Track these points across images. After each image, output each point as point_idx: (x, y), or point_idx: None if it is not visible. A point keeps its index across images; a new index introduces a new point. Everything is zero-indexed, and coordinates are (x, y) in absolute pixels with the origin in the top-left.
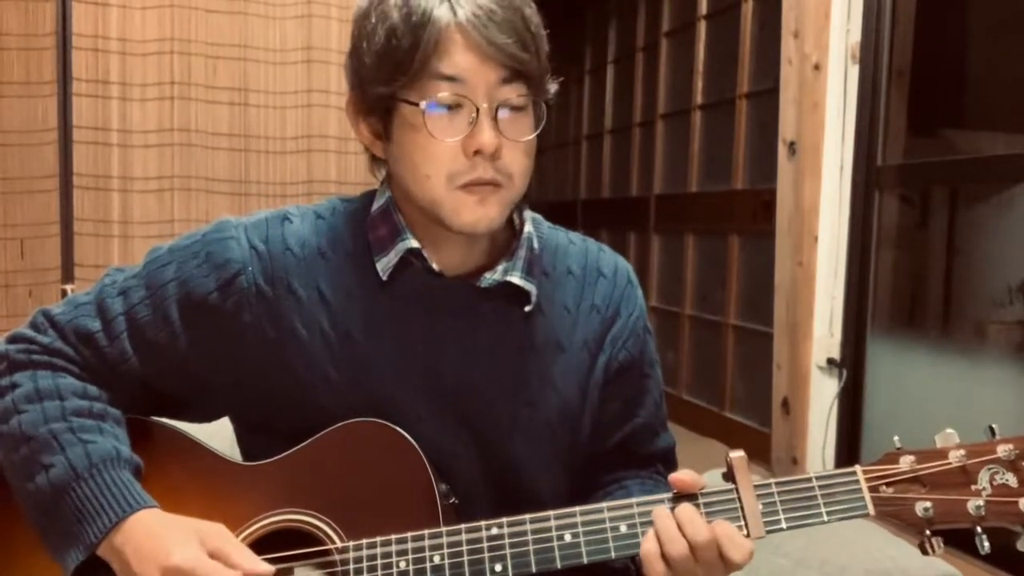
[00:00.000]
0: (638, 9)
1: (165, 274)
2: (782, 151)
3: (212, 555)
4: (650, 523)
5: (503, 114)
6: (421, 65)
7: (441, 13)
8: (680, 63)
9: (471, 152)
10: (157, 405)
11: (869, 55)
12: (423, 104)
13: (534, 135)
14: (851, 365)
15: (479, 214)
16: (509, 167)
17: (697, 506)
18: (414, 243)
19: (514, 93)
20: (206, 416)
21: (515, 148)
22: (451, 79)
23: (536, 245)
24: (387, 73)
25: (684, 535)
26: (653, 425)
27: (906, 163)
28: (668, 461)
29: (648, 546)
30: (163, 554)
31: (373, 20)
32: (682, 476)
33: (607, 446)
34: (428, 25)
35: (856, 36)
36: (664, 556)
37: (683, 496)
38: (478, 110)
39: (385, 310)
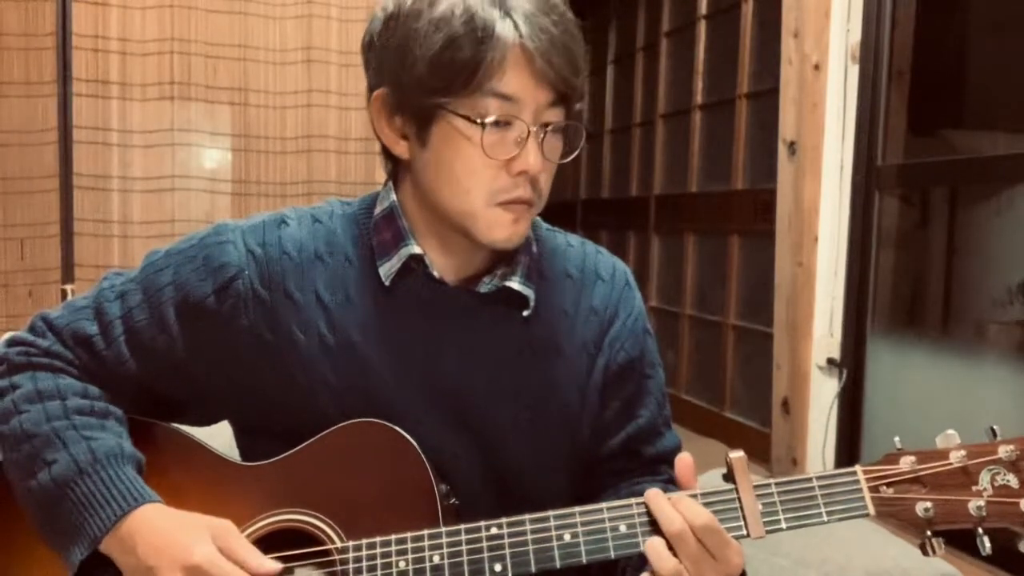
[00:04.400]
0: (638, 9)
1: (162, 278)
2: (782, 151)
3: (220, 552)
4: (648, 523)
5: (544, 136)
6: (480, 82)
7: (505, 30)
8: (680, 63)
9: (515, 171)
10: (155, 408)
11: (869, 55)
12: (481, 121)
13: (571, 157)
14: (851, 365)
15: (512, 231)
16: (542, 187)
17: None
18: (417, 249)
19: (556, 116)
20: (205, 419)
21: (548, 168)
22: (506, 98)
23: (534, 248)
24: (441, 82)
25: (682, 515)
26: (656, 425)
27: (906, 163)
28: (674, 463)
29: (654, 543)
30: (180, 550)
31: (426, 23)
32: (686, 460)
33: (611, 448)
34: (492, 41)
35: (856, 36)
36: (669, 544)
37: (684, 496)
38: (529, 132)
39: (385, 315)
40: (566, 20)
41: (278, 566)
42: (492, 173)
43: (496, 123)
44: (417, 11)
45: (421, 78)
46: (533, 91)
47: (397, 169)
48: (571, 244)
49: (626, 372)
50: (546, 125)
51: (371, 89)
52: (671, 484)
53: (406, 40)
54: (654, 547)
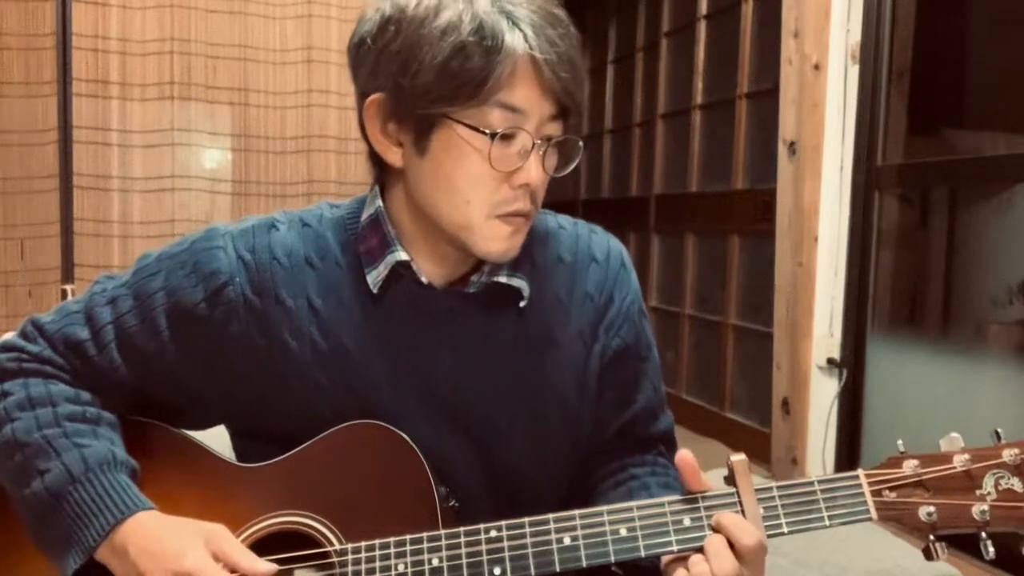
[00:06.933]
0: (638, 9)
1: (153, 283)
2: (782, 151)
3: (214, 556)
4: (649, 526)
5: (545, 149)
6: (489, 92)
7: (515, 41)
8: (680, 63)
9: (518, 184)
10: (149, 414)
11: (869, 55)
12: (491, 132)
13: (567, 171)
14: (851, 365)
15: (510, 244)
16: (538, 199)
17: (699, 516)
18: (403, 255)
19: (556, 129)
20: (199, 424)
21: (546, 181)
22: (513, 110)
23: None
24: (447, 91)
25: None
26: (653, 408)
27: (906, 163)
28: (669, 442)
29: None
30: (172, 557)
31: (432, 29)
32: (687, 458)
33: (607, 434)
34: (502, 52)
35: (856, 36)
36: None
37: (685, 499)
38: (533, 144)
39: (376, 320)
40: (571, 34)
41: (272, 567)
42: (494, 185)
43: (504, 135)
44: (421, 17)
45: (426, 86)
46: (539, 103)
47: (385, 175)
48: (563, 226)
49: (621, 358)
50: (547, 139)
51: (363, 93)
52: (662, 458)
53: (409, 46)
54: (713, 545)
